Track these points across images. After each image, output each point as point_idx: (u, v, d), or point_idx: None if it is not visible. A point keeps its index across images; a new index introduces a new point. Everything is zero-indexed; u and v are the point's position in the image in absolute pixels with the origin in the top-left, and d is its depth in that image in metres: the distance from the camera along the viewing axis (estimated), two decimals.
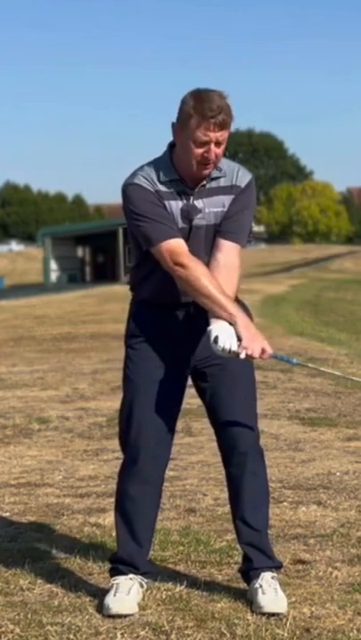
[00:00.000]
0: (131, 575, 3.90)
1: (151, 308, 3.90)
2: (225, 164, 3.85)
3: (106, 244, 63.59)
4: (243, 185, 3.85)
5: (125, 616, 3.76)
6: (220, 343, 3.68)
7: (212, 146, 3.69)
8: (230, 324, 3.72)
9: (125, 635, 3.61)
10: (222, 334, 3.69)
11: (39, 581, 4.23)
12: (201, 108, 3.65)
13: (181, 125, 3.72)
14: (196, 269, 3.71)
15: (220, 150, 3.72)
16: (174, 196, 3.79)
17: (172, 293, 3.85)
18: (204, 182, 3.80)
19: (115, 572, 3.96)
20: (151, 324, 3.89)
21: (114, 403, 9.51)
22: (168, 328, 3.89)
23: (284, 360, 3.98)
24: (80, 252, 69.42)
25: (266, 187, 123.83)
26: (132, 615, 3.77)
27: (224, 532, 4.90)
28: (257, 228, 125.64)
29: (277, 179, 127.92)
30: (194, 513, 5.31)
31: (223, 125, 3.67)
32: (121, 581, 3.89)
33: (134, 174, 3.82)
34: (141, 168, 3.84)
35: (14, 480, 6.27)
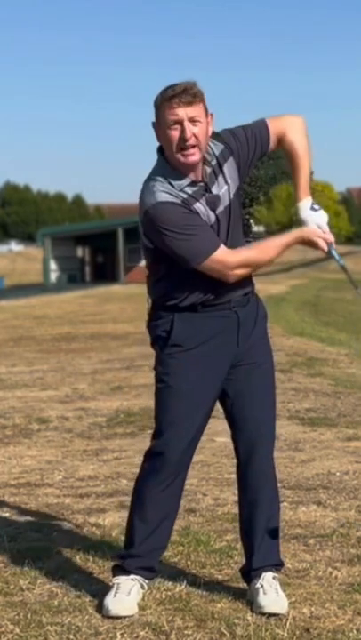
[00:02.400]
0: (133, 575, 3.90)
1: (185, 312, 3.80)
2: (209, 145, 3.76)
3: (106, 244, 63.56)
4: (232, 140, 3.78)
5: (124, 617, 3.76)
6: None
7: (186, 123, 3.61)
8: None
9: (125, 635, 3.62)
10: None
11: (39, 581, 4.23)
12: (165, 93, 3.64)
13: (157, 120, 3.69)
14: (248, 257, 3.75)
15: (197, 129, 3.62)
16: (194, 197, 3.71)
17: (214, 294, 3.79)
18: (207, 169, 3.74)
19: (119, 570, 3.95)
20: (192, 332, 3.79)
21: (113, 403, 9.51)
22: (211, 329, 3.81)
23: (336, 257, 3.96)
24: (80, 252, 69.40)
25: (266, 186, 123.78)
26: (131, 616, 3.77)
27: (224, 532, 4.90)
28: (257, 228, 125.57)
29: (277, 179, 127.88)
30: (194, 513, 5.31)
31: (190, 101, 3.60)
32: (122, 581, 3.89)
33: (152, 192, 3.67)
34: (153, 184, 3.70)
35: (14, 480, 6.27)
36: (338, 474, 6.19)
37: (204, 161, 3.75)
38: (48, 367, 12.93)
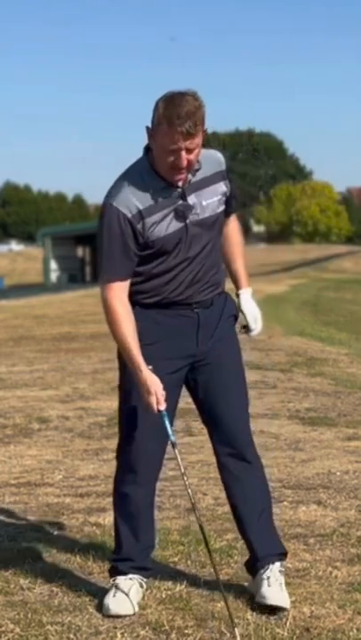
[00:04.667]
0: (130, 575, 3.90)
1: (147, 309, 3.87)
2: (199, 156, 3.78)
3: None
4: (223, 167, 3.87)
5: (124, 616, 3.77)
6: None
7: (183, 153, 3.62)
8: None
9: (125, 634, 3.62)
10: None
11: (39, 581, 4.23)
12: (169, 115, 3.57)
13: (153, 131, 3.67)
14: (122, 320, 3.75)
15: (192, 156, 3.65)
16: (165, 203, 3.72)
17: (176, 292, 3.85)
18: (189, 177, 3.75)
19: (114, 571, 3.96)
20: (149, 326, 3.86)
21: (114, 402, 9.46)
22: (170, 326, 3.88)
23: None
24: (80, 251, 69.49)
25: (266, 186, 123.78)
26: (131, 615, 3.77)
27: (224, 532, 4.90)
28: (257, 228, 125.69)
29: (277, 179, 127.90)
30: (194, 513, 5.30)
31: (191, 134, 3.58)
32: (120, 581, 3.90)
33: (117, 192, 3.72)
34: (121, 185, 3.74)
35: (14, 480, 6.27)
36: (338, 473, 6.19)
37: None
38: (48, 367, 12.93)
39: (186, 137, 3.58)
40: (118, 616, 3.77)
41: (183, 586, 4.07)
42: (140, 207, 3.70)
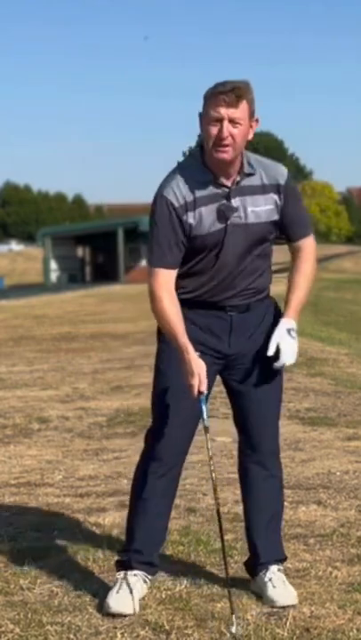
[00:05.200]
0: (135, 571, 3.91)
1: (182, 305, 3.86)
2: (259, 162, 3.84)
3: (106, 244, 63.59)
4: (283, 181, 3.84)
5: (125, 615, 3.77)
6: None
7: (226, 123, 3.66)
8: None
9: (125, 634, 3.62)
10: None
11: (39, 581, 4.23)
12: (215, 86, 3.68)
13: (203, 112, 3.74)
14: (167, 306, 3.74)
15: (236, 131, 3.67)
16: (210, 199, 3.77)
17: (209, 294, 3.87)
18: (238, 178, 3.78)
19: (121, 565, 3.97)
20: (185, 320, 3.85)
21: (114, 402, 9.51)
22: (202, 324, 3.90)
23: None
24: (80, 251, 69.44)
25: None
26: (132, 615, 3.78)
27: (224, 532, 4.89)
28: None
29: None
30: (194, 513, 5.31)
31: (234, 102, 3.64)
32: (125, 577, 3.90)
33: (167, 183, 3.79)
34: (174, 174, 3.81)
35: (14, 480, 6.27)
36: (338, 473, 6.19)
37: (241, 169, 3.80)
38: (48, 367, 12.93)
39: (228, 105, 3.64)
40: (118, 614, 3.77)
41: (183, 586, 4.07)
42: (188, 199, 3.75)
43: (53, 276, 64.58)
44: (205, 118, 3.71)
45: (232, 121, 3.66)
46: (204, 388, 3.70)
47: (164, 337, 3.94)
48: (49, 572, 4.34)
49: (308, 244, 4.03)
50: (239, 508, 5.28)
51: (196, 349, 3.76)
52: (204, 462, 6.46)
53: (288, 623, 3.65)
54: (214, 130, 3.68)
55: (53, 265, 64.67)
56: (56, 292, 46.25)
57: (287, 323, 3.92)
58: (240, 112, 3.67)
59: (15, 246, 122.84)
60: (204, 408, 3.75)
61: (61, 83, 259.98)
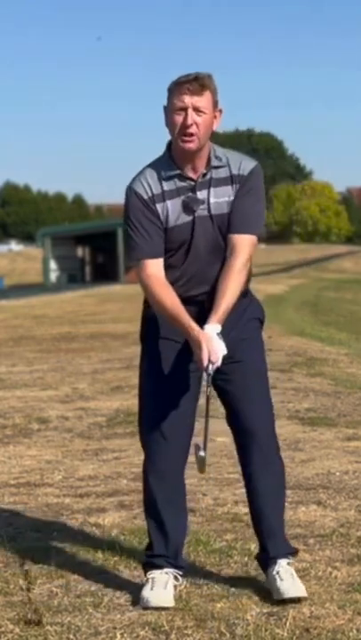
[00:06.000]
0: (165, 569, 3.93)
1: None
2: (227, 154, 3.85)
3: (106, 244, 63.64)
4: (245, 173, 3.83)
5: (164, 609, 3.78)
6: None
7: (190, 111, 3.70)
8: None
9: (125, 634, 3.61)
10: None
11: (39, 581, 4.23)
12: (178, 78, 3.73)
13: (167, 104, 3.78)
14: (160, 293, 3.75)
15: (200, 119, 3.71)
16: (176, 192, 3.80)
17: (183, 289, 3.86)
18: (205, 171, 3.80)
19: (149, 566, 3.98)
20: (163, 321, 3.88)
21: (113, 403, 9.51)
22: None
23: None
24: (80, 252, 69.50)
25: (266, 186, 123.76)
26: (169, 608, 3.79)
27: (224, 532, 4.90)
28: None
29: (277, 179, 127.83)
30: (193, 513, 5.30)
31: (197, 90, 3.69)
32: (156, 575, 3.92)
33: (136, 177, 3.86)
34: (143, 170, 3.87)
35: (14, 480, 6.27)
36: (338, 473, 6.19)
37: (208, 162, 3.80)
38: (48, 367, 12.93)
39: (191, 93, 3.69)
40: (157, 608, 3.79)
41: (183, 586, 4.06)
42: (155, 191, 3.80)
43: (53, 276, 64.62)
44: (170, 108, 3.75)
45: (196, 109, 3.71)
46: (214, 358, 3.68)
47: (146, 336, 3.97)
48: (49, 572, 4.34)
49: (243, 243, 3.81)
50: (239, 508, 5.30)
51: (178, 350, 3.82)
52: None
53: (288, 623, 3.65)
54: (179, 118, 3.72)
55: (53, 265, 64.71)
56: (56, 292, 46.26)
57: (213, 328, 3.74)
58: (204, 101, 3.71)
59: (15, 246, 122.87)
60: (204, 375, 3.73)
61: (62, 83, 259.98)
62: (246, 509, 5.23)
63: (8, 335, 19.25)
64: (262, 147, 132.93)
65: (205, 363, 3.68)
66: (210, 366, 3.70)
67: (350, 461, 6.54)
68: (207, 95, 3.72)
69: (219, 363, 3.71)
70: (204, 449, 3.84)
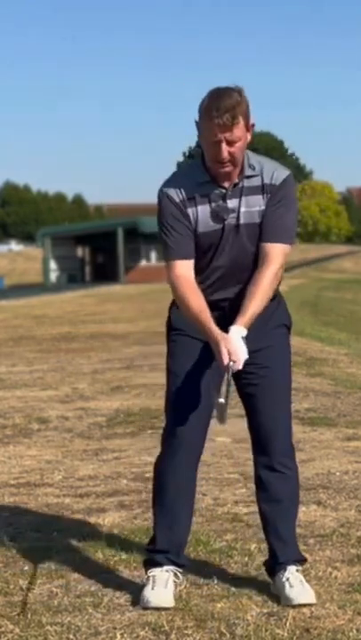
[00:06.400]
0: (166, 567, 3.93)
1: None
2: (260, 162, 3.85)
3: (106, 244, 63.61)
4: (278, 183, 3.82)
5: (165, 609, 3.78)
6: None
7: (224, 145, 3.69)
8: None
9: (125, 634, 3.61)
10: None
11: (39, 581, 4.23)
12: (209, 108, 3.68)
13: (199, 125, 3.77)
14: (187, 295, 3.78)
15: (234, 149, 3.70)
16: (207, 199, 3.81)
17: (205, 293, 3.86)
18: (237, 181, 3.80)
19: (150, 563, 3.98)
20: (189, 321, 3.88)
21: (113, 403, 9.51)
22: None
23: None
24: (80, 252, 69.45)
25: None
26: (169, 608, 3.79)
27: (224, 532, 4.90)
28: None
29: None
30: (194, 513, 5.30)
31: (228, 126, 3.65)
32: (157, 574, 3.92)
33: (168, 181, 3.88)
34: (175, 174, 3.92)
35: (14, 480, 6.27)
36: (338, 474, 6.19)
37: (241, 172, 3.81)
38: (48, 367, 12.93)
39: (223, 129, 3.67)
40: (158, 608, 3.78)
41: (183, 586, 4.06)
42: (186, 196, 3.81)
43: (53, 276, 64.59)
44: (203, 135, 3.74)
45: (229, 142, 3.70)
46: (235, 357, 3.66)
47: (172, 335, 3.99)
48: (49, 572, 4.34)
49: (275, 252, 3.82)
50: (239, 508, 5.30)
51: (203, 348, 3.83)
52: (204, 462, 6.45)
53: (288, 623, 3.65)
54: (212, 151, 3.73)
55: (53, 265, 64.68)
56: (56, 292, 46.25)
57: (238, 330, 3.74)
58: (237, 132, 3.69)
59: (15, 246, 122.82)
60: (225, 375, 3.69)
61: (62, 82, 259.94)
62: (246, 509, 5.26)
63: (8, 335, 19.25)
64: (262, 147, 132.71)
65: (226, 361, 3.66)
66: (230, 365, 3.68)
67: (350, 461, 6.55)
68: (239, 125, 3.69)
69: (240, 365, 3.69)
70: (226, 397, 3.73)
